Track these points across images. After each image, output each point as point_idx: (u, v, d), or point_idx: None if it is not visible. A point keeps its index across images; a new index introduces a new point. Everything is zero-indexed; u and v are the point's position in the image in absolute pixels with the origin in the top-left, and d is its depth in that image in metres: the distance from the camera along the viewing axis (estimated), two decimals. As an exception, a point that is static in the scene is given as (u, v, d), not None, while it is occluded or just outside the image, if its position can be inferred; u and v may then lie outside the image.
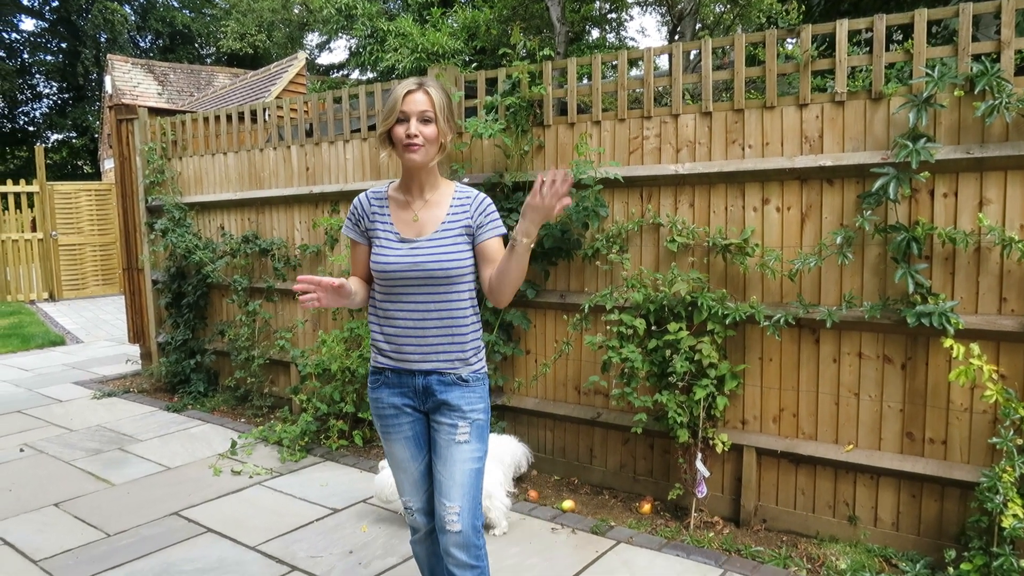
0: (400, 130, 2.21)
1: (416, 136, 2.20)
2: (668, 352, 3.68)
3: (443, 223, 2.30)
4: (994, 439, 2.99)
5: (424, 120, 2.21)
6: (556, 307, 4.31)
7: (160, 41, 31.55)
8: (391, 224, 2.33)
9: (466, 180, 4.37)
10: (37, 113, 32.50)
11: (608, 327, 3.91)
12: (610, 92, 4.11)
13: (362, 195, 2.40)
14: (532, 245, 2.14)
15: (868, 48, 3.39)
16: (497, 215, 2.37)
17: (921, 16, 3.20)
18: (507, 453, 3.95)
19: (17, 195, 13.74)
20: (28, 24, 37.99)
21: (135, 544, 3.68)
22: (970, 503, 3.14)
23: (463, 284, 2.31)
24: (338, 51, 34.71)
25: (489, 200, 2.38)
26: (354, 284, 2.35)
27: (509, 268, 2.18)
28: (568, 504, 3.98)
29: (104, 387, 6.92)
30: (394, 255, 2.28)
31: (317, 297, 2.13)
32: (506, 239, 2.27)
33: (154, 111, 7.14)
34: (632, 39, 19.49)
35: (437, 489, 2.34)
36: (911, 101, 3.12)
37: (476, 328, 2.38)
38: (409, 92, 2.21)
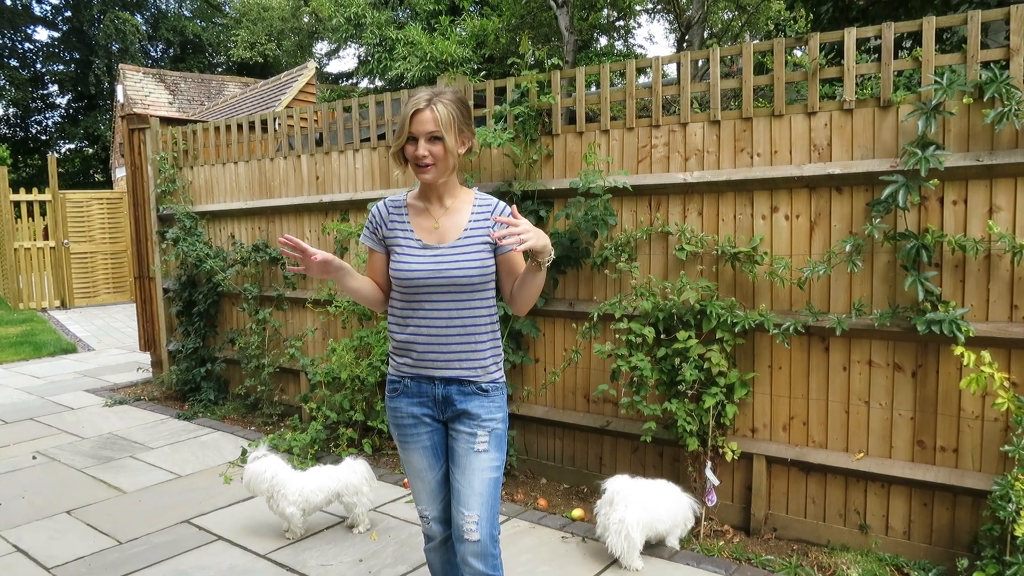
0: (411, 150, 2.24)
1: (425, 156, 2.22)
2: (677, 360, 3.68)
3: (465, 230, 2.32)
4: (1006, 447, 2.98)
5: (432, 139, 2.22)
6: (565, 315, 4.32)
7: (171, 50, 31.80)
8: (411, 231, 2.34)
9: (475, 189, 4.38)
10: (49, 122, 32.83)
11: (617, 335, 3.91)
12: (619, 101, 4.12)
13: (380, 203, 2.42)
14: (546, 264, 2.20)
15: (876, 56, 3.39)
16: None
17: (930, 23, 3.20)
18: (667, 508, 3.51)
19: (30, 203, 13.86)
20: (41, 34, 38.41)
21: (147, 552, 3.70)
22: (982, 511, 3.12)
23: (485, 292, 2.33)
24: (347, 59, 35.00)
25: (509, 209, 2.39)
26: (359, 281, 2.36)
27: (533, 283, 2.26)
28: (578, 513, 3.98)
29: (115, 395, 6.96)
30: (416, 262, 2.29)
31: (303, 268, 2.20)
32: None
33: (165, 120, 7.18)
34: (640, 46, 19.54)
35: (455, 498, 2.33)
36: (920, 108, 3.12)
37: (496, 336, 2.39)
38: (416, 112, 2.20)
